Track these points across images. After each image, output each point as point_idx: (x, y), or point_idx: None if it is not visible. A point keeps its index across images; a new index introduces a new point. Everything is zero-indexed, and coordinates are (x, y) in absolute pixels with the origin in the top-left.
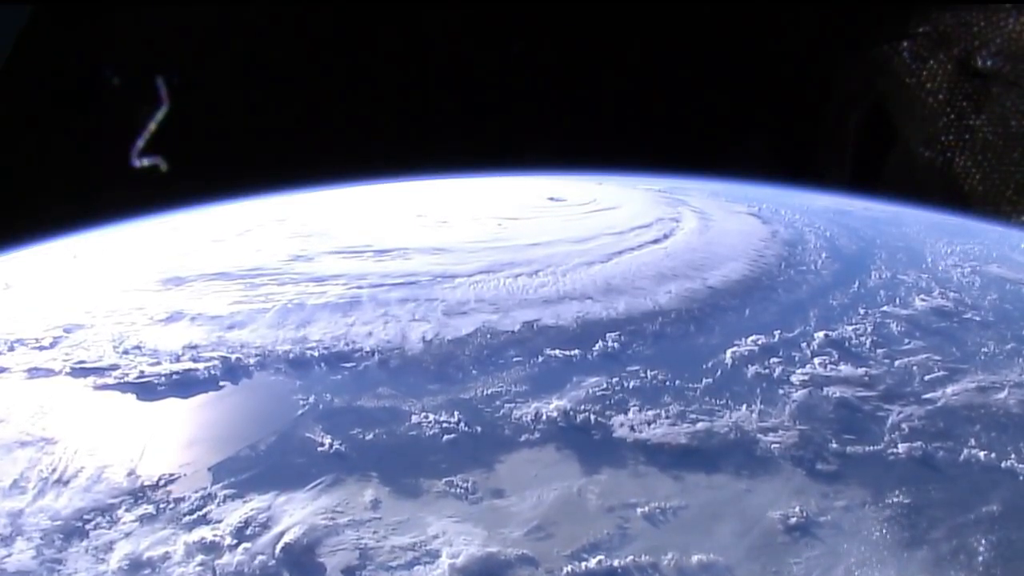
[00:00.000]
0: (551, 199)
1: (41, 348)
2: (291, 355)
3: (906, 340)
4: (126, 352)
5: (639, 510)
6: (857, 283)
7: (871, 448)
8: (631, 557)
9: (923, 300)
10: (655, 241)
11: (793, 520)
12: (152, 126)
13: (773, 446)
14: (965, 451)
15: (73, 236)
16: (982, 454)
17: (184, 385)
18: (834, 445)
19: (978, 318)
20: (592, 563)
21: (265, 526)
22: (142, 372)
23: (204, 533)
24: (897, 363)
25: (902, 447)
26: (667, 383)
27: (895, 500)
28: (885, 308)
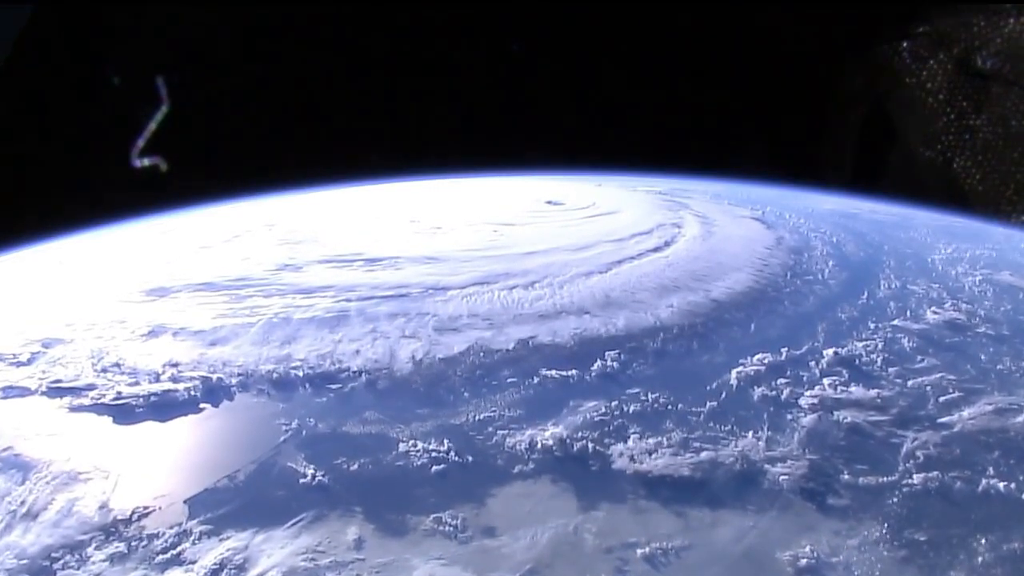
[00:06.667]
0: (549, 202)
1: (18, 364)
2: (275, 375)
3: (919, 357)
4: (104, 370)
5: (639, 551)
6: (866, 294)
7: (885, 479)
8: None
9: (935, 313)
10: (656, 249)
11: (803, 561)
12: (152, 126)
13: (781, 478)
14: (984, 481)
15: (65, 238)
16: (1002, 485)
17: (163, 407)
18: (846, 476)
19: (992, 332)
20: None
21: (242, 568)
22: (120, 393)
23: (177, 575)
24: (910, 383)
25: (917, 478)
26: (669, 407)
27: (911, 537)
28: (896, 322)
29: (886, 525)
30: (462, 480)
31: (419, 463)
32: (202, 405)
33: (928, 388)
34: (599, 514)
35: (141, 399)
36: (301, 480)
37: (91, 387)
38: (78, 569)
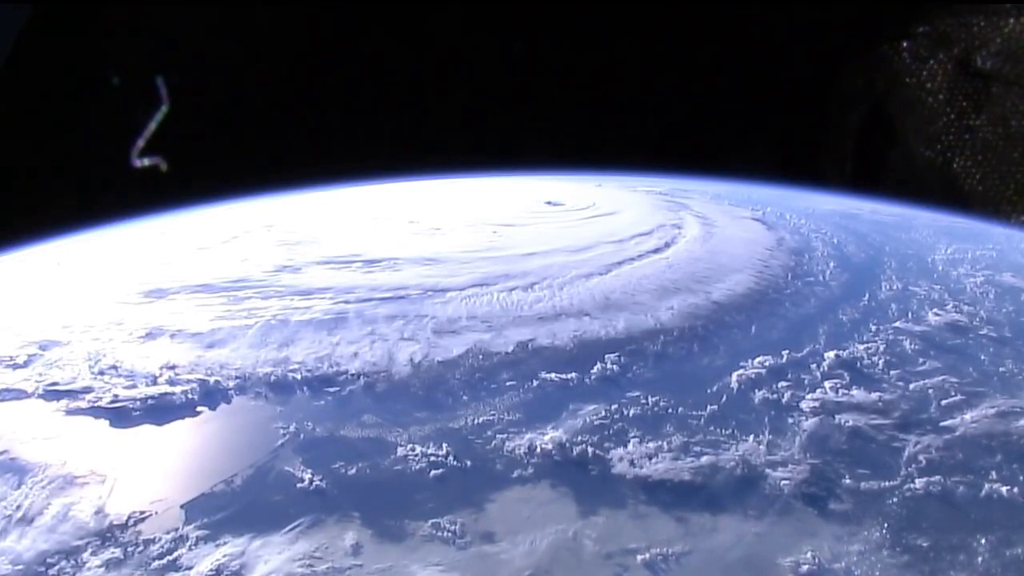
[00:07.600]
0: (548, 203)
1: (15, 367)
2: (272, 378)
3: (921, 360)
4: (101, 373)
5: (639, 557)
6: (867, 296)
7: (887, 483)
8: None
9: (937, 314)
10: (656, 250)
11: (805, 568)
12: (152, 126)
13: (783, 482)
14: (986, 486)
15: (62, 239)
16: (1004, 489)
17: (160, 411)
18: (848, 481)
19: (995, 334)
20: None
21: (238, 574)
22: (116, 396)
23: None
24: (912, 386)
25: (919, 482)
26: (669, 410)
27: (913, 543)
28: (898, 324)
29: (888, 530)
30: (461, 485)
31: (417, 467)
32: (199, 408)
33: (930, 391)
34: (599, 519)
35: (138, 402)
36: (298, 485)
37: (88, 390)
38: (74, 575)
